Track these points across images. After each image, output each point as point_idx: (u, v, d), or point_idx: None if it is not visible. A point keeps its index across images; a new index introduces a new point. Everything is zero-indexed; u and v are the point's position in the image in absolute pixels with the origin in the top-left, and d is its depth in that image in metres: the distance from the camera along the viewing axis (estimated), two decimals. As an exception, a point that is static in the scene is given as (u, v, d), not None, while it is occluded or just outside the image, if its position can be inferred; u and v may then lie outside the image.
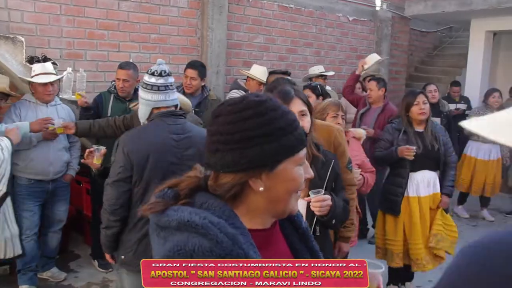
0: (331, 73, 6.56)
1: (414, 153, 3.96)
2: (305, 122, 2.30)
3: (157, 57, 5.91)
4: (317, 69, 6.46)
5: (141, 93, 2.79)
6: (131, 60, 5.17)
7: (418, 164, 4.05)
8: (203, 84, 4.85)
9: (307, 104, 2.36)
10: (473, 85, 8.58)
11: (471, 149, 6.76)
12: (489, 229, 6.35)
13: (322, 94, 4.47)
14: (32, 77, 4.06)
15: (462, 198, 6.94)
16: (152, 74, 2.73)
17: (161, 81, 2.72)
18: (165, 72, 2.74)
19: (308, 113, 2.36)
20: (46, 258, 4.44)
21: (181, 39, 6.16)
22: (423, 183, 4.12)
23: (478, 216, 6.84)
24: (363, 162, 3.72)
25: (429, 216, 4.13)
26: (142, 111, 2.82)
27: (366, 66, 6.03)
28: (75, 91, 4.40)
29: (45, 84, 4.07)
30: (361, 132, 3.99)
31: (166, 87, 2.72)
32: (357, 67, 6.17)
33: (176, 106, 2.85)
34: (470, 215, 6.85)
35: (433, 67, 10.16)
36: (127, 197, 2.66)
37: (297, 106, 2.28)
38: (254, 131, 1.14)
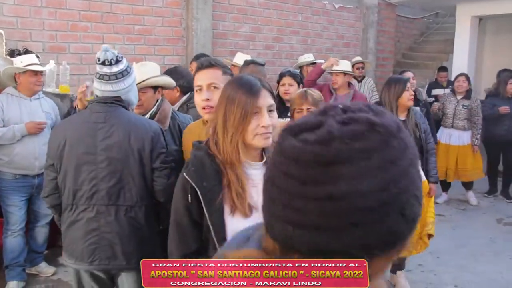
0: (322, 61, 6.52)
1: None
2: (275, 120, 1.85)
3: (142, 48, 5.86)
4: (308, 57, 6.43)
5: None
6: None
7: None
8: None
9: (273, 96, 1.94)
10: (460, 70, 8.57)
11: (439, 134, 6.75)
12: (477, 213, 6.42)
13: (302, 82, 4.47)
14: (25, 67, 3.98)
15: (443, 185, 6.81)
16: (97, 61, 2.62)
17: (97, 69, 2.61)
18: (107, 61, 2.59)
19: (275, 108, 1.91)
20: (34, 253, 4.39)
21: (166, 30, 6.09)
22: None
23: (466, 200, 6.89)
24: None
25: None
26: None
27: (335, 68, 5.88)
28: (59, 84, 4.33)
29: (37, 74, 4.01)
30: None
31: (100, 76, 2.59)
32: (338, 57, 6.03)
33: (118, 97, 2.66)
34: (458, 199, 6.89)
35: (420, 53, 10.19)
36: (53, 185, 2.63)
37: (267, 100, 1.82)
38: (405, 175, 0.70)
